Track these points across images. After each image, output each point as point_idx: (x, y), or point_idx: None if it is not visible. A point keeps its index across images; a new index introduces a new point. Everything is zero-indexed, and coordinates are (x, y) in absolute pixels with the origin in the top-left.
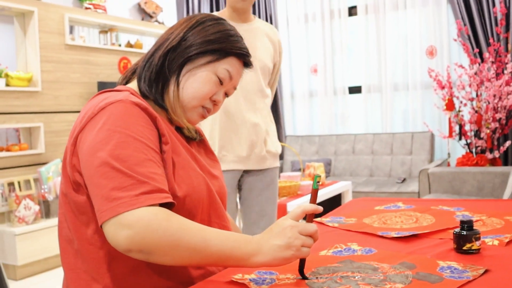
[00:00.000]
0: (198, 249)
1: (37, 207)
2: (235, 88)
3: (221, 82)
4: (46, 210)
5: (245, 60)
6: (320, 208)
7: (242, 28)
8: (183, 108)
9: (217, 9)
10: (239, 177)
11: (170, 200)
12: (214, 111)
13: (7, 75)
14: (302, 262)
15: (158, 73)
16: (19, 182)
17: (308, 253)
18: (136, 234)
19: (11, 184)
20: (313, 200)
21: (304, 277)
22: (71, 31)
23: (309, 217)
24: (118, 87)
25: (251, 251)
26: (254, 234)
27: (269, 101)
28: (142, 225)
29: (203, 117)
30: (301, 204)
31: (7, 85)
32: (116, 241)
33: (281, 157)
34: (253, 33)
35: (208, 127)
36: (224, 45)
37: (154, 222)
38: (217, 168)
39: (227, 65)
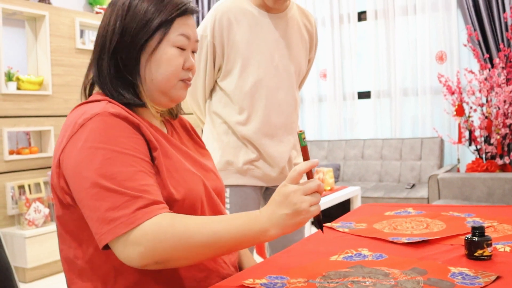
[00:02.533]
0: (210, 243)
1: (47, 210)
2: (197, 41)
3: (182, 49)
4: None
5: (187, 12)
6: (316, 161)
7: (274, 21)
8: (164, 93)
9: None
10: (263, 191)
11: (167, 210)
12: (193, 74)
13: (18, 79)
14: (317, 218)
15: (118, 79)
16: (29, 185)
17: (319, 209)
18: (146, 249)
19: (21, 187)
20: (305, 157)
21: (321, 227)
22: (81, 35)
23: (308, 174)
24: (95, 96)
25: (262, 227)
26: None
27: (299, 108)
28: (149, 239)
29: (187, 86)
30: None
31: (18, 88)
32: (129, 259)
33: None
34: (289, 26)
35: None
36: (164, 17)
37: (160, 231)
38: (208, 158)
39: (178, 30)
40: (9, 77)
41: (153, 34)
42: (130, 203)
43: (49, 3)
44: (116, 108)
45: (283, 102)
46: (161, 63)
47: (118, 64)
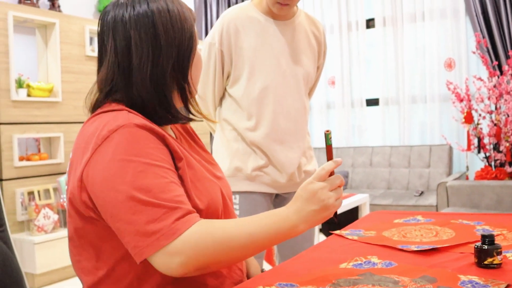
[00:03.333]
0: (248, 245)
1: (56, 216)
2: None
3: None
4: (64, 220)
5: None
6: (340, 160)
7: (281, 27)
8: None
9: None
10: (273, 198)
11: (199, 219)
12: None
13: (28, 86)
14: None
15: (180, 94)
16: (38, 192)
17: (341, 201)
18: (189, 258)
19: (31, 193)
20: (330, 156)
21: (335, 216)
22: (91, 42)
23: (332, 173)
24: (111, 106)
25: (292, 224)
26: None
27: (308, 115)
28: (190, 248)
29: None
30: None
31: (28, 95)
32: (170, 270)
33: None
34: (296, 33)
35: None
36: (193, 22)
37: (200, 239)
38: (216, 167)
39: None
40: (19, 84)
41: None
42: (169, 215)
43: (60, 11)
44: (140, 119)
45: (291, 108)
46: (198, 65)
47: (174, 80)
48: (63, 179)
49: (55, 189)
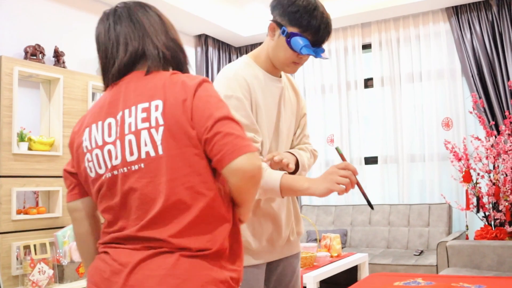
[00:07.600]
0: None
1: (51, 272)
2: None
3: None
4: (60, 275)
5: None
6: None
7: (274, 83)
8: None
9: None
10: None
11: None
12: None
13: (30, 139)
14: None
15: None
16: (35, 246)
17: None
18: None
19: (26, 247)
20: (343, 159)
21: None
22: (93, 98)
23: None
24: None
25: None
26: None
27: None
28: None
29: None
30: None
31: (29, 149)
32: (257, 167)
33: None
34: (284, 89)
35: None
36: None
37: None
38: None
39: None
40: (21, 137)
41: None
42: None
43: (64, 66)
44: None
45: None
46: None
47: None
48: (60, 233)
49: (51, 243)
